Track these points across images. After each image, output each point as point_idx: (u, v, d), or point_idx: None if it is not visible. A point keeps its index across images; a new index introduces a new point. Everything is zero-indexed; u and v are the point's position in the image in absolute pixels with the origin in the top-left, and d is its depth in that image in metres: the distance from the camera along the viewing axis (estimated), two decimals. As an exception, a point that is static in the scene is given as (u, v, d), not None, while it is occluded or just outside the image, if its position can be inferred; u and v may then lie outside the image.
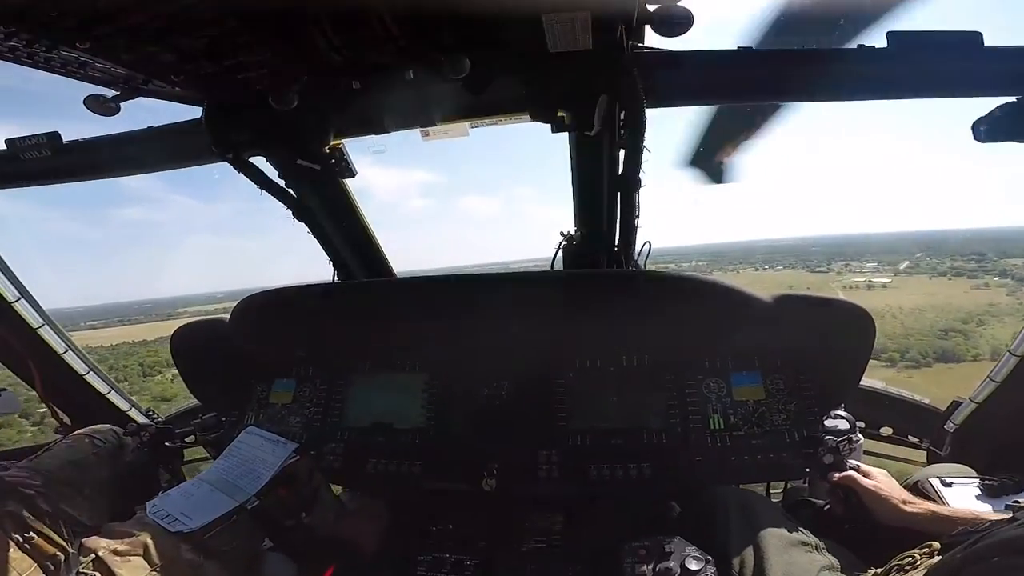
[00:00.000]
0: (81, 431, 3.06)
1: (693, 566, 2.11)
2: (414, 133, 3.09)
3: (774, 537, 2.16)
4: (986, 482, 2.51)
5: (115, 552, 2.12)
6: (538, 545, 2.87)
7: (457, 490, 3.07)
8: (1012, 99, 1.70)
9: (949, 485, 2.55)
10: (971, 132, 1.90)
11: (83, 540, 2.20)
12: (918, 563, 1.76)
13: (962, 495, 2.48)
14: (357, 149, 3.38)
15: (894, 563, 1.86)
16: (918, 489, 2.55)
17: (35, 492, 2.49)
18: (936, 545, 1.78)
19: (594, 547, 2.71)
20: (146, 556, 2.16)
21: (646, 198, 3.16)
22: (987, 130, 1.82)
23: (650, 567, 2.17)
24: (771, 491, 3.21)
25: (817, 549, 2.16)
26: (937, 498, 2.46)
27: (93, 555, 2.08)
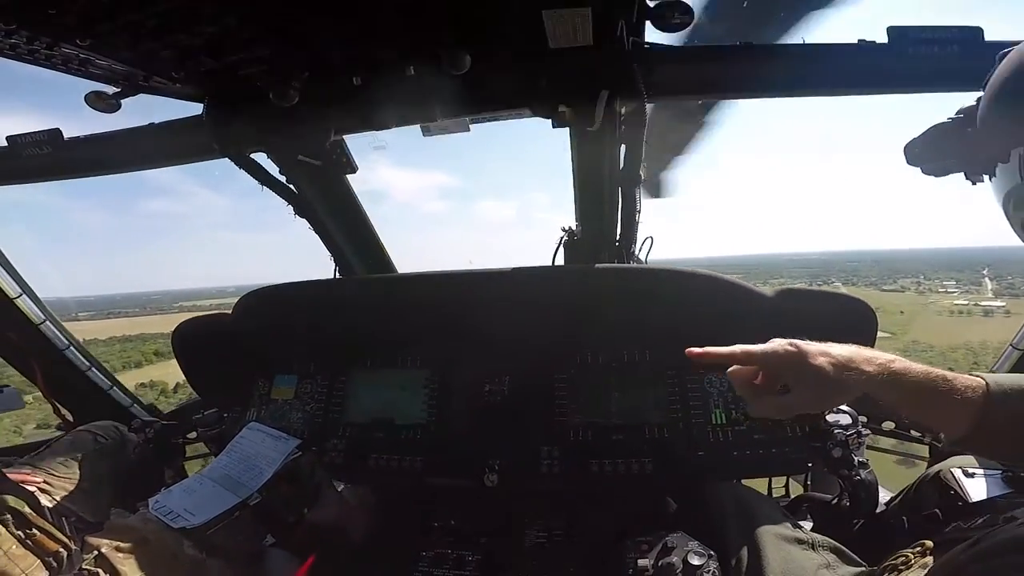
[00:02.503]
0: (82, 427, 3.07)
1: (696, 561, 2.11)
2: (421, 135, 3.10)
3: (771, 534, 2.14)
4: (1008, 473, 2.45)
5: (118, 549, 2.13)
6: (540, 540, 2.88)
7: (459, 485, 3.08)
8: (946, 119, 1.68)
9: (971, 476, 2.48)
10: (904, 154, 1.85)
11: (86, 537, 2.21)
12: (911, 562, 1.76)
13: (983, 486, 2.43)
14: (365, 148, 3.37)
15: (887, 563, 1.85)
16: (940, 480, 2.51)
17: (37, 489, 2.50)
18: (929, 544, 1.77)
19: (596, 542, 2.71)
20: (149, 552, 2.17)
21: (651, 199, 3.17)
22: (920, 153, 1.79)
23: (652, 562, 2.17)
24: (772, 486, 3.21)
25: (814, 547, 2.12)
26: (959, 489, 2.41)
27: (96, 552, 2.09)
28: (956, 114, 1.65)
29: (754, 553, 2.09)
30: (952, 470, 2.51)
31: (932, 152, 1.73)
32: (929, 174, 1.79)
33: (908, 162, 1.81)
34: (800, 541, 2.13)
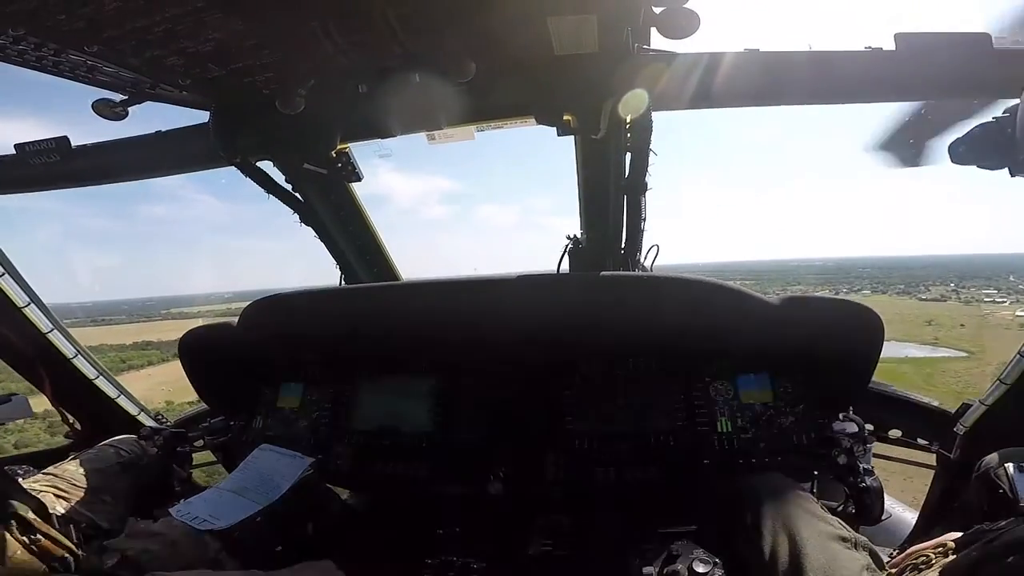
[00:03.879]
0: (106, 442, 3.15)
1: (701, 569, 2.09)
2: (424, 141, 3.10)
3: (814, 530, 2.03)
4: None
5: (146, 551, 2.23)
6: (545, 548, 2.87)
7: (464, 493, 3.07)
8: (991, 119, 1.72)
9: None
10: (948, 153, 1.91)
11: (109, 542, 2.27)
12: (932, 562, 1.73)
13: None
14: (368, 154, 3.39)
15: (908, 562, 1.83)
16: (987, 478, 2.32)
17: (55, 496, 2.59)
18: (951, 544, 1.75)
19: (601, 550, 2.70)
20: (177, 554, 2.29)
21: (657, 204, 3.17)
22: (965, 151, 1.83)
23: (657, 569, 2.15)
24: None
25: (856, 546, 2.00)
26: (1008, 488, 2.22)
27: (119, 555, 2.13)
28: (1003, 113, 1.69)
29: (793, 548, 1.98)
30: (1006, 466, 2.31)
31: (976, 151, 1.77)
32: (969, 165, 1.85)
33: (953, 161, 1.85)
34: (843, 539, 2.01)
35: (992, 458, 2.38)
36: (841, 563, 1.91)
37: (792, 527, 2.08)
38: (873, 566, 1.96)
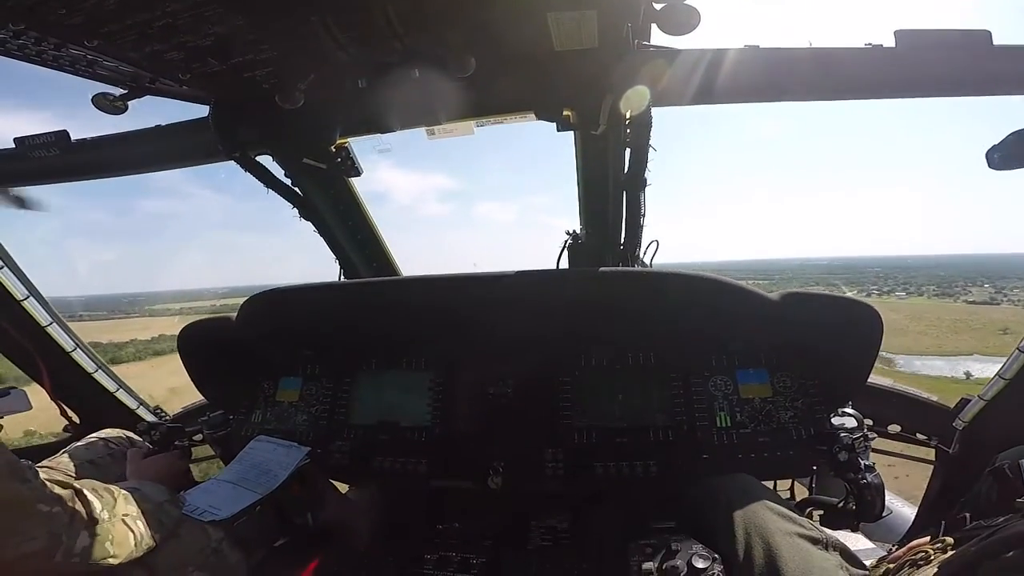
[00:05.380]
0: (95, 435, 3.13)
1: (700, 564, 2.10)
2: (422, 137, 3.10)
3: (785, 531, 2.08)
4: None
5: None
6: (544, 543, 2.88)
7: (463, 488, 3.08)
8: None
9: None
10: (985, 160, 1.96)
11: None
12: (931, 557, 1.74)
13: None
14: (367, 150, 3.39)
15: (907, 558, 1.83)
16: (1003, 473, 2.28)
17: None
18: (949, 540, 1.75)
19: (601, 545, 2.71)
20: (180, 544, 2.30)
21: (656, 201, 3.17)
22: (1001, 157, 1.87)
23: (656, 565, 2.16)
24: (777, 489, 3.20)
25: (828, 546, 2.05)
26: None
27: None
28: None
29: (768, 552, 2.02)
30: (1021, 462, 2.25)
31: (1013, 157, 1.81)
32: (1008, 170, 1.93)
33: (990, 166, 1.90)
34: (815, 540, 2.05)
35: (1007, 454, 2.37)
36: (816, 563, 1.95)
37: (763, 528, 2.11)
38: (847, 565, 1.99)
